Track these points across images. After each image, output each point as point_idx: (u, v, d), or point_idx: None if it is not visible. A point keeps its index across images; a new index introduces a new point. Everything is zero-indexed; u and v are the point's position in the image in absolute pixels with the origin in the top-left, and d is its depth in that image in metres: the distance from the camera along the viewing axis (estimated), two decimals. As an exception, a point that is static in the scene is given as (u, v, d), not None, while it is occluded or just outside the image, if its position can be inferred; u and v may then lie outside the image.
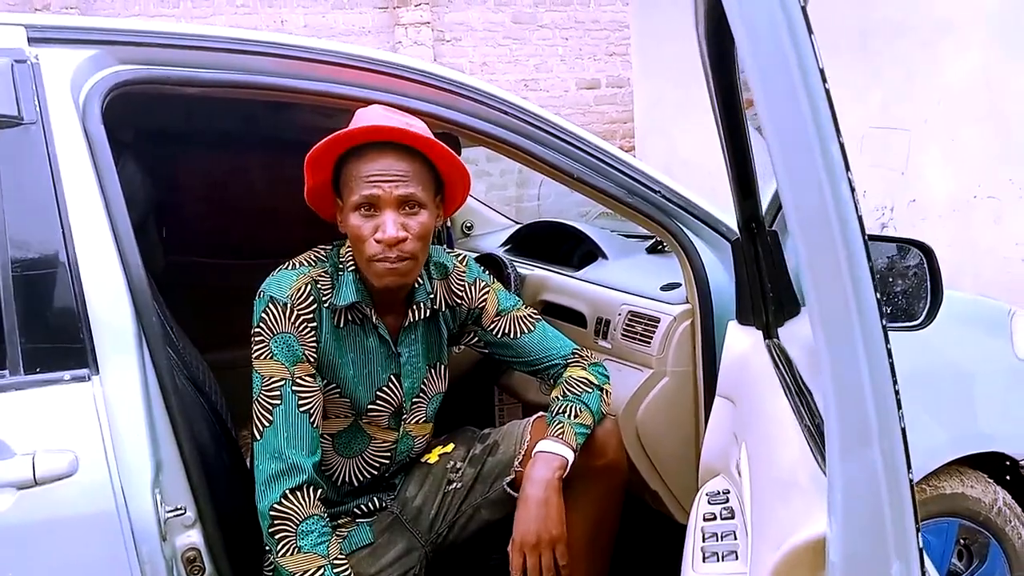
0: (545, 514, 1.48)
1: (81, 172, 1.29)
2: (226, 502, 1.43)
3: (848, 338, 0.65)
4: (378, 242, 1.42)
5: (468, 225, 2.96)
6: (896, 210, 4.30)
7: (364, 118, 1.46)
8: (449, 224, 2.83)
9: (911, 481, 0.69)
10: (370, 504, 1.66)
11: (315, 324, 1.49)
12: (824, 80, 0.60)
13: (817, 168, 0.62)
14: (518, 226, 2.85)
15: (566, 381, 1.65)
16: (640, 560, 2.06)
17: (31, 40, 1.33)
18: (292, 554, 1.39)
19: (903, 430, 0.66)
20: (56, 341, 1.25)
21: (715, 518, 1.33)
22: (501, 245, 2.72)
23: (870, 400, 0.66)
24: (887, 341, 0.65)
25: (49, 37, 1.35)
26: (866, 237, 0.63)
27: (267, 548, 1.43)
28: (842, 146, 0.62)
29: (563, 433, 1.55)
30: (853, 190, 0.62)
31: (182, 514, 1.31)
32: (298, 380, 1.46)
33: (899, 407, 0.66)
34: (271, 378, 1.45)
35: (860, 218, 0.63)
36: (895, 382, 0.65)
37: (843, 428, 0.68)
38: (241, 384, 1.50)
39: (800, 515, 0.84)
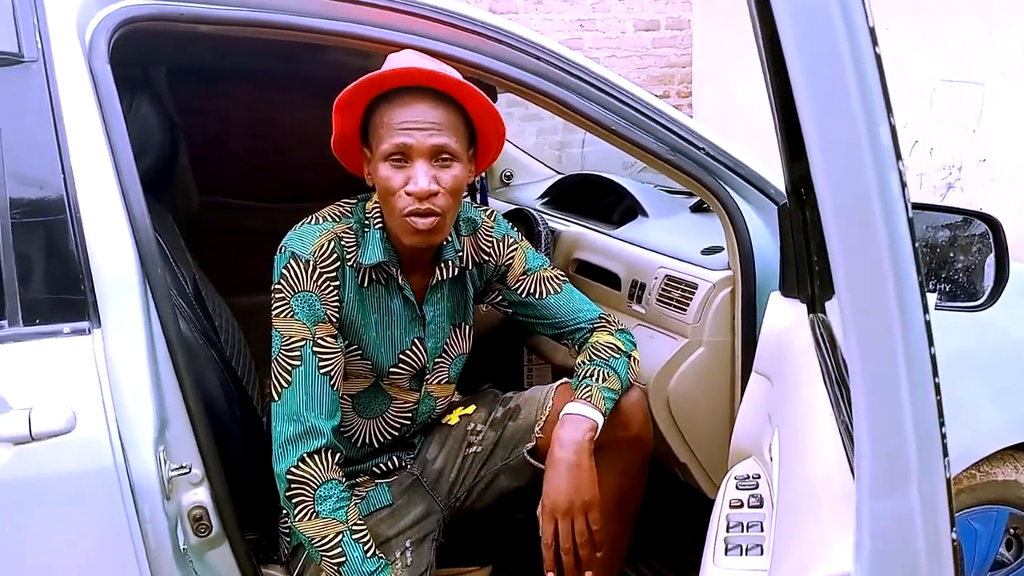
0: (577, 478, 1.41)
1: (85, 114, 1.23)
2: (237, 458, 1.40)
3: (890, 367, 0.54)
4: (408, 194, 1.34)
5: (508, 174, 2.86)
6: (964, 169, 4.07)
7: (396, 62, 1.37)
8: (485, 175, 2.73)
9: (955, 541, 0.59)
10: (389, 463, 1.62)
11: (338, 283, 1.42)
12: (875, 42, 0.48)
13: (862, 154, 0.51)
14: (558, 177, 2.74)
15: (592, 346, 1.58)
16: (666, 533, 2.00)
17: (33, -28, 1.25)
18: (310, 519, 1.36)
19: (948, 480, 0.56)
20: (56, 292, 1.21)
21: (742, 505, 1.25)
22: (539, 197, 2.62)
23: (911, 438, 0.55)
24: (935, 374, 0.54)
25: (53, -31, 1.27)
26: (916, 245, 0.52)
27: (284, 511, 1.40)
28: (893, 128, 0.50)
29: (591, 396, 1.48)
30: (904, 184, 0.51)
31: (187, 472, 1.27)
32: (319, 341, 1.40)
33: (945, 453, 0.55)
34: (291, 338, 1.39)
35: (911, 221, 0.51)
36: (942, 424, 0.55)
37: (876, 465, 0.58)
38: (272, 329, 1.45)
39: (827, 540, 0.74)
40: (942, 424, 0.55)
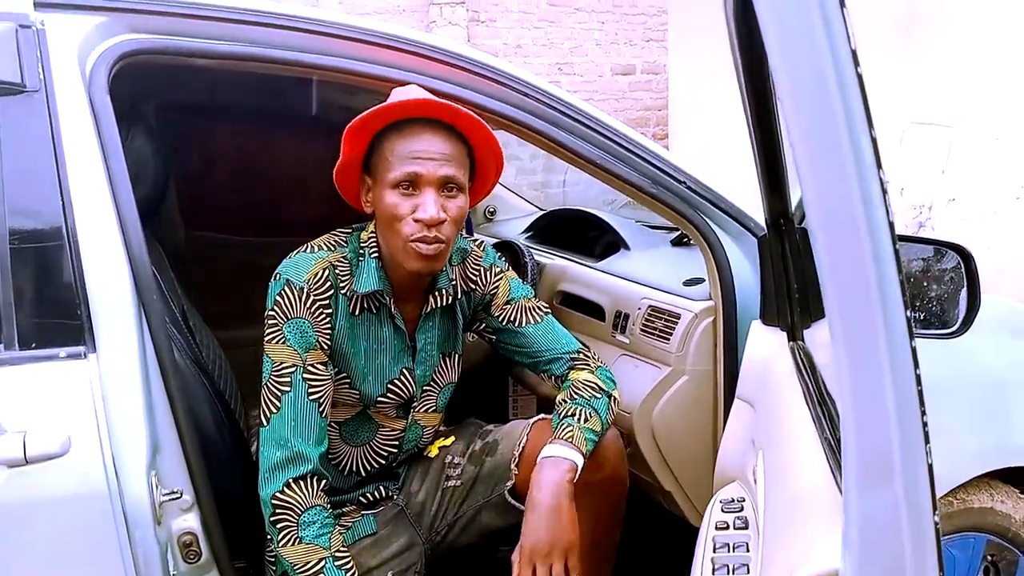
0: (556, 521, 1.39)
1: (85, 144, 1.26)
2: (226, 486, 1.40)
3: (873, 359, 0.58)
4: (416, 221, 1.37)
5: (491, 210, 2.90)
6: (934, 209, 4.18)
7: (404, 95, 1.41)
8: (470, 209, 2.77)
9: (937, 524, 0.62)
10: (376, 493, 1.62)
11: (331, 311, 1.44)
12: (856, 63, 0.53)
13: (845, 164, 0.55)
14: (541, 213, 2.79)
15: (573, 384, 1.57)
16: (650, 562, 2.01)
17: (37, 5, 1.29)
18: (293, 544, 1.36)
19: (930, 466, 0.60)
20: (53, 317, 1.22)
21: (728, 527, 1.27)
22: (523, 232, 2.66)
23: (895, 429, 0.59)
24: (916, 365, 0.58)
25: (56, 2, 1.31)
26: (897, 246, 0.56)
27: (268, 537, 1.40)
28: (874, 140, 0.55)
29: (572, 437, 1.46)
30: (885, 192, 0.55)
31: (178, 498, 1.28)
32: (309, 367, 1.42)
33: (927, 440, 0.59)
34: (282, 364, 1.41)
35: (892, 224, 0.56)
36: (923, 412, 0.58)
37: (862, 457, 0.62)
38: (258, 361, 1.47)
39: (814, 541, 0.77)
40: (923, 412, 0.59)
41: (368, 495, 1.62)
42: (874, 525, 0.63)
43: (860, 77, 0.53)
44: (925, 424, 0.59)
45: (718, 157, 5.17)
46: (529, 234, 2.64)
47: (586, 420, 1.50)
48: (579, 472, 1.44)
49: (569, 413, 1.51)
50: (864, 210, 0.55)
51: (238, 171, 2.54)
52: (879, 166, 0.54)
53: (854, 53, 0.52)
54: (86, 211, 1.23)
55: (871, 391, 0.59)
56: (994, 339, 1.82)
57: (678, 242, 2.19)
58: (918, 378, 0.58)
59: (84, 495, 1.18)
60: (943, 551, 1.74)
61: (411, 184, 1.38)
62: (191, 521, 1.30)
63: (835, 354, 0.61)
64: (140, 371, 1.23)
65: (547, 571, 1.38)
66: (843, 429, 0.62)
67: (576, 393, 1.55)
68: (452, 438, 1.68)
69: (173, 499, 1.27)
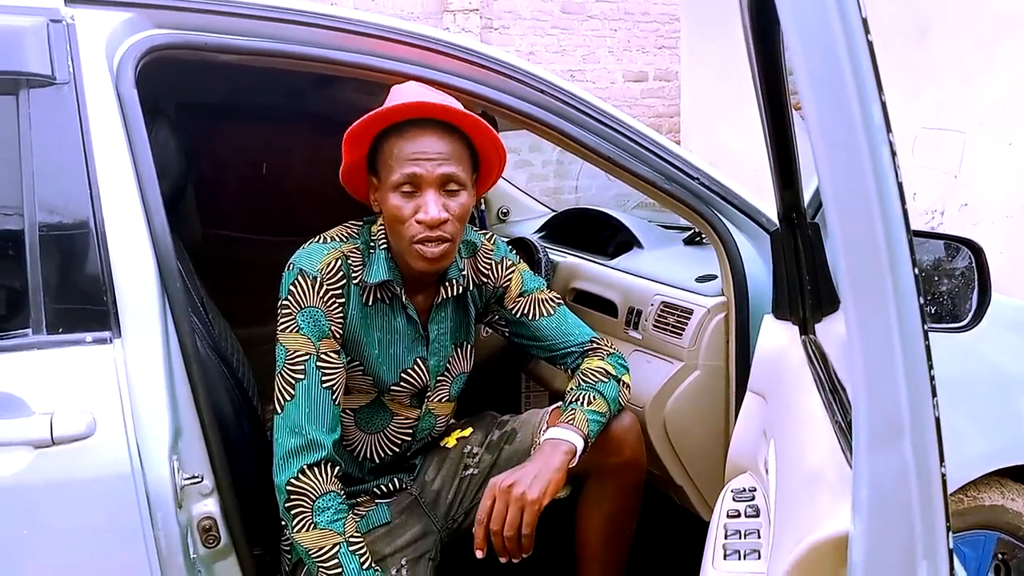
0: (530, 474, 1.40)
1: (112, 135, 1.29)
2: (245, 473, 1.43)
3: (881, 314, 0.60)
4: (419, 223, 1.40)
5: (504, 211, 2.93)
6: (946, 214, 4.18)
7: (403, 95, 1.44)
8: (484, 209, 2.80)
9: (943, 476, 0.64)
10: (390, 484, 1.65)
11: (343, 300, 1.47)
12: (867, 31, 0.55)
13: (855, 129, 0.57)
14: (554, 213, 2.81)
15: (582, 372, 1.61)
16: (663, 557, 2.02)
17: (68, 0, 1.32)
18: (308, 530, 1.38)
19: (937, 420, 0.61)
20: (79, 303, 1.25)
21: (739, 515, 1.29)
22: (536, 232, 2.69)
23: (902, 386, 0.61)
24: (924, 322, 0.60)
25: (86, -2, 1.34)
26: (905, 207, 0.58)
27: (283, 523, 1.43)
28: (884, 105, 0.57)
29: (573, 419, 1.50)
30: (894, 154, 0.58)
31: (199, 482, 1.30)
32: (323, 356, 1.44)
33: (934, 395, 0.61)
34: (295, 352, 1.43)
35: (900, 184, 0.58)
36: (931, 367, 0.60)
37: (872, 416, 0.63)
38: (273, 359, 1.50)
39: (824, 510, 0.79)
40: (931, 367, 0.60)
41: (383, 486, 1.64)
42: (884, 484, 0.65)
43: (870, 44, 0.55)
44: (932, 378, 0.60)
45: (730, 163, 5.19)
46: (542, 234, 2.66)
47: (589, 403, 1.53)
48: (580, 453, 1.47)
49: (574, 399, 1.55)
50: (873, 171, 0.56)
51: (254, 171, 2.57)
52: (889, 131, 0.56)
53: (865, 22, 0.55)
54: (113, 200, 1.26)
55: (880, 346, 0.61)
56: (1005, 338, 1.83)
57: (691, 241, 2.21)
58: (926, 334, 0.60)
59: (108, 476, 1.21)
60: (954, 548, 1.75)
61: (412, 185, 1.40)
62: (211, 506, 1.32)
63: (845, 313, 0.63)
64: (163, 357, 1.26)
65: (503, 508, 1.39)
66: (853, 388, 0.64)
67: (583, 380, 1.59)
68: (470, 429, 1.71)
69: (194, 483, 1.30)
